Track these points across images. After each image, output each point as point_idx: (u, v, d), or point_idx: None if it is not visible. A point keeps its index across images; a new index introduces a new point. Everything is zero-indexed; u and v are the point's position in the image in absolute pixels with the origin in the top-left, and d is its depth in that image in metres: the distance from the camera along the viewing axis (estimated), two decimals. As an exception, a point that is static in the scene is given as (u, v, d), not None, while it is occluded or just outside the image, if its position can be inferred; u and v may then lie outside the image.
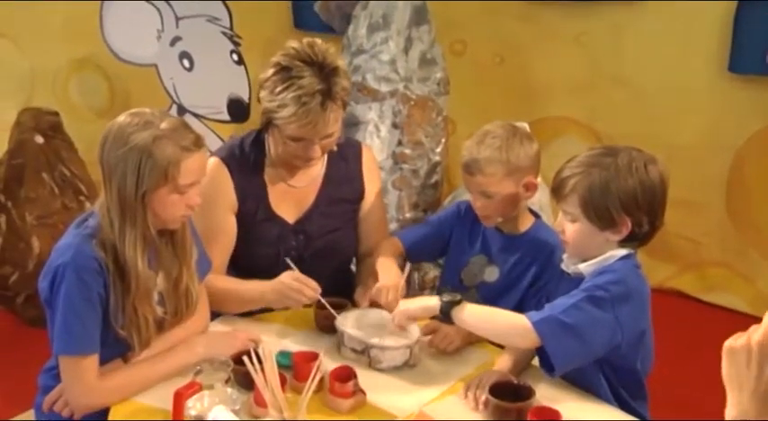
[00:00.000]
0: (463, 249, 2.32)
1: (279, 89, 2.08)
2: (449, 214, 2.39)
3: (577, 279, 1.92)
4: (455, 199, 3.54)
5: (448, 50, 4.05)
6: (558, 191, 1.91)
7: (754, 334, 1.21)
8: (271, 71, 2.12)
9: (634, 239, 1.88)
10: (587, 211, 1.85)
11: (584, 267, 1.90)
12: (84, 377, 1.83)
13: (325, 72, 2.09)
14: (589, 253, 1.90)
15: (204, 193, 2.17)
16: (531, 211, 2.29)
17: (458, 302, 1.87)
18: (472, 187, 2.17)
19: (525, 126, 3.30)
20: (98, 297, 1.81)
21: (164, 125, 1.81)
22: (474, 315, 1.88)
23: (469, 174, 2.15)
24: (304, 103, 2.05)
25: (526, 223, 2.25)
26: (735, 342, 1.23)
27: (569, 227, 1.90)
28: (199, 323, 2.06)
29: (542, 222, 2.30)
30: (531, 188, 2.17)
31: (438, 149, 3.72)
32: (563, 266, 2.00)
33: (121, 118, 1.83)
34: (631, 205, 1.82)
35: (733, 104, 3.75)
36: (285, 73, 2.09)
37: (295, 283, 2.05)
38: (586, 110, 4.16)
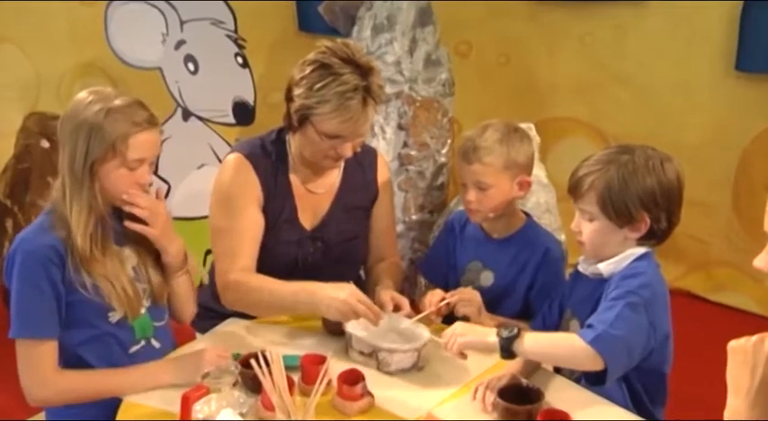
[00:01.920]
0: (458, 257, 2.32)
1: (318, 85, 2.09)
2: (445, 230, 2.42)
3: (596, 280, 1.91)
4: (460, 201, 3.53)
5: (453, 51, 4.04)
6: (575, 189, 1.89)
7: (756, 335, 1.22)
8: (308, 69, 2.12)
9: (652, 237, 1.88)
10: (605, 209, 1.84)
11: (603, 267, 1.89)
12: (38, 365, 1.85)
13: (363, 70, 2.11)
14: (607, 252, 1.89)
15: (228, 189, 2.18)
16: (523, 212, 2.30)
17: (516, 335, 1.80)
18: (467, 177, 2.17)
19: (531, 127, 3.33)
20: (48, 284, 1.83)
21: (118, 101, 1.86)
22: (535, 345, 1.81)
23: (467, 162, 2.15)
24: (348, 99, 2.07)
25: (517, 224, 2.26)
26: (737, 342, 1.23)
27: (586, 226, 1.89)
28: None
29: (534, 222, 2.30)
30: (525, 187, 2.18)
31: (444, 150, 3.72)
32: (579, 268, 1.98)
33: (79, 95, 1.90)
34: (650, 201, 1.82)
35: (739, 103, 3.74)
36: (324, 70, 2.10)
37: (361, 307, 1.97)
38: (592, 110, 4.16)
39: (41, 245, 1.84)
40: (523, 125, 3.25)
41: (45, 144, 3.62)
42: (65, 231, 1.85)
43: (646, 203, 1.82)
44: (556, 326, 2.07)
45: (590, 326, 1.78)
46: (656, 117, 3.93)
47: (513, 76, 4.32)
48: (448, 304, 2.11)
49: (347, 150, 2.17)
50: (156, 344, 2.02)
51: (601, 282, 1.90)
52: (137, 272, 1.98)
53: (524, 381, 1.81)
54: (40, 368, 1.85)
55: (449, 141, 3.76)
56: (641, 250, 1.88)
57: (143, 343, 1.99)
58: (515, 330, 1.81)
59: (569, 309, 2.02)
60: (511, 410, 1.72)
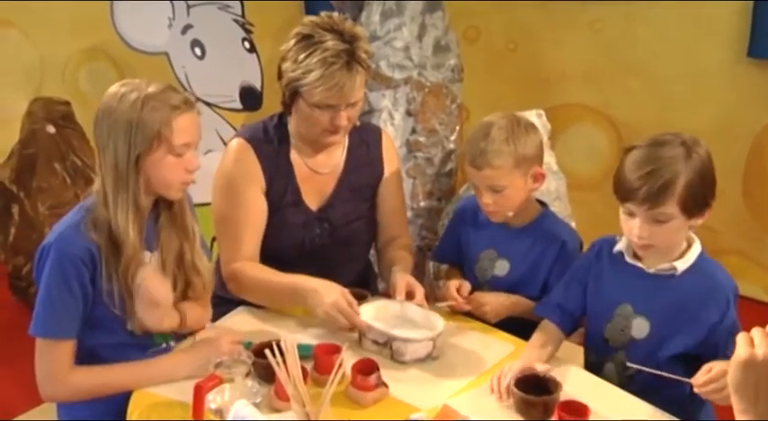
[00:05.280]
0: (471, 246, 2.29)
1: (302, 56, 2.07)
2: (456, 218, 2.38)
3: (662, 276, 1.86)
4: (470, 188, 3.51)
5: (461, 37, 4.01)
6: (653, 198, 1.77)
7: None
8: (292, 41, 2.12)
9: None
10: (687, 205, 1.77)
11: (680, 265, 1.84)
12: (55, 364, 1.83)
13: (347, 37, 2.09)
14: (675, 247, 1.86)
15: (230, 175, 2.16)
16: (538, 201, 2.26)
17: None
18: (480, 182, 2.13)
19: (542, 113, 3.30)
20: (78, 285, 1.80)
21: (150, 89, 1.81)
22: None
23: (476, 168, 2.10)
24: (331, 64, 2.04)
25: (533, 213, 2.22)
26: (754, 353, 1.19)
27: (659, 228, 1.79)
28: (201, 314, 2.05)
29: (550, 212, 2.27)
30: (539, 178, 2.14)
31: (452, 137, 3.69)
32: (629, 260, 1.91)
33: (110, 90, 1.85)
34: (714, 183, 1.81)
35: (751, 90, 3.70)
36: (307, 40, 2.09)
37: (341, 319, 1.97)
38: (601, 97, 4.12)
39: (78, 246, 1.80)
40: (533, 112, 3.26)
41: (51, 129, 3.60)
42: (102, 236, 1.81)
43: (713, 188, 1.81)
44: (574, 317, 2.03)
45: None
46: (666, 104, 3.89)
47: (521, 63, 4.28)
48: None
49: (341, 120, 2.13)
50: (174, 344, 2.01)
51: (669, 278, 1.85)
52: None
53: (541, 372, 1.79)
54: (57, 367, 1.83)
55: (457, 128, 3.73)
56: (697, 243, 1.87)
57: (163, 345, 1.98)
58: None
59: (627, 305, 1.92)
60: (527, 401, 1.70)
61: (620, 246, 1.94)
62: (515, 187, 2.11)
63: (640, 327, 1.89)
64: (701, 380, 1.69)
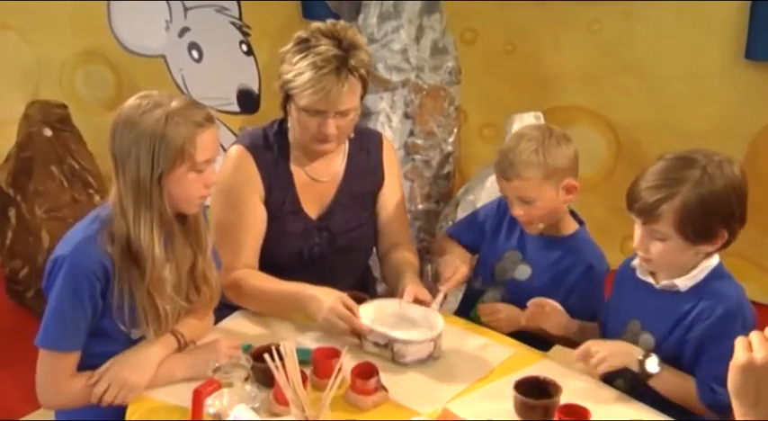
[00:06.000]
0: (499, 242, 2.28)
1: (296, 58, 2.07)
2: (491, 206, 2.35)
3: (668, 292, 1.86)
4: (468, 190, 3.51)
5: (459, 39, 4.00)
6: (646, 213, 1.78)
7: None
8: (290, 44, 2.12)
9: (724, 245, 1.80)
10: (683, 230, 1.75)
11: (680, 282, 1.83)
12: (56, 374, 1.82)
13: (344, 45, 2.08)
14: (679, 268, 1.83)
15: (230, 183, 2.15)
16: (575, 217, 2.23)
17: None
18: (510, 193, 2.12)
19: (540, 115, 3.29)
20: (89, 299, 1.79)
21: (174, 104, 1.79)
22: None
23: (506, 179, 2.10)
24: (320, 68, 2.03)
25: (568, 228, 2.20)
26: (752, 357, 1.19)
27: (656, 246, 1.80)
28: (198, 327, 2.03)
29: (585, 232, 2.23)
30: (572, 190, 2.12)
31: (450, 139, 3.68)
32: (640, 276, 1.92)
33: (129, 102, 1.81)
34: (729, 215, 1.76)
35: (748, 92, 3.70)
36: (304, 44, 2.09)
37: (341, 324, 1.97)
38: (599, 98, 4.11)
39: (92, 259, 1.78)
40: (532, 113, 3.25)
41: (48, 132, 3.59)
42: (117, 250, 1.79)
43: (726, 218, 1.76)
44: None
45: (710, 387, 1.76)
46: (663, 105, 3.88)
47: (519, 65, 4.27)
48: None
49: (329, 127, 2.11)
50: None
51: (674, 295, 1.85)
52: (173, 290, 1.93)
53: (542, 375, 1.78)
54: (58, 378, 1.82)
55: (455, 130, 3.73)
56: (714, 261, 1.83)
57: None
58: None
59: (637, 321, 1.92)
60: (528, 405, 1.70)
61: (635, 262, 1.93)
62: (546, 199, 2.09)
63: (647, 345, 1.88)
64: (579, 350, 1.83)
